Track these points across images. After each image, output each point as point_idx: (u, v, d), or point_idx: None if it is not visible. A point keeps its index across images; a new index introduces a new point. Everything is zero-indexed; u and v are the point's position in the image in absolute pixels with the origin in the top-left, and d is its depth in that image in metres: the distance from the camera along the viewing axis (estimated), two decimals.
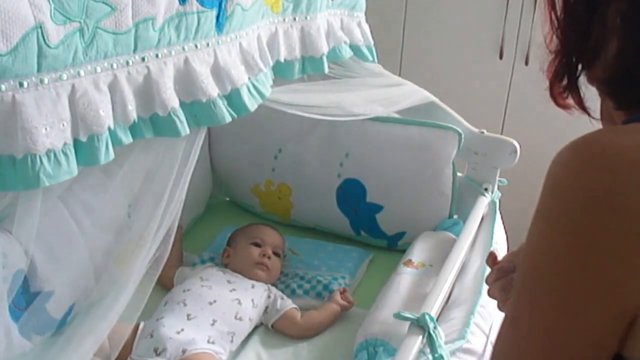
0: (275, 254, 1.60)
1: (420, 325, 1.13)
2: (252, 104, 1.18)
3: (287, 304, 1.49)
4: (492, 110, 2.41)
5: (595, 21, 0.63)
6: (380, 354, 1.21)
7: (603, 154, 0.51)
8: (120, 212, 1.30)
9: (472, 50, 2.36)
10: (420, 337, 1.12)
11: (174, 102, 1.01)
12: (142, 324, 1.35)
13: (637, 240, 0.49)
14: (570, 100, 0.70)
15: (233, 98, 1.14)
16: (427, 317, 1.13)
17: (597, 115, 0.70)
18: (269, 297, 1.49)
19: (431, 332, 1.11)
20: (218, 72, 1.11)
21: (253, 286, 1.49)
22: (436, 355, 1.10)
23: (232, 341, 1.36)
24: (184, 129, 1.04)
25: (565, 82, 0.68)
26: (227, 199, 2.07)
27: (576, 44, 0.66)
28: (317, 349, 1.40)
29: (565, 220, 0.53)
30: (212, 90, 1.08)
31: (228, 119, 1.12)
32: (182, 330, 1.31)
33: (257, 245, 1.59)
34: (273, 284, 1.58)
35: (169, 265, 1.60)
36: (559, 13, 0.68)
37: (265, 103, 1.36)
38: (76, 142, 0.86)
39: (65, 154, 0.83)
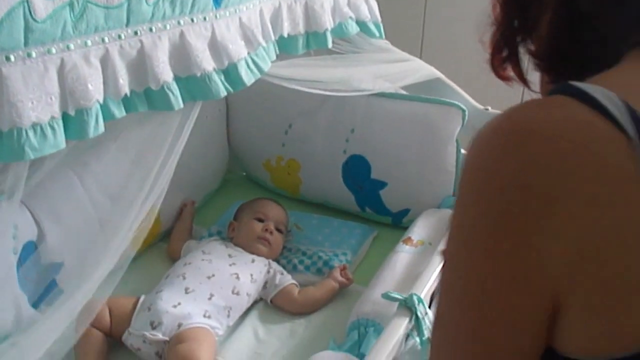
0: (278, 229, 1.61)
1: (408, 306, 1.11)
2: (249, 79, 1.19)
3: (286, 280, 1.50)
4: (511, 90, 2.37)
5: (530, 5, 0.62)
6: (370, 335, 1.21)
7: (513, 133, 0.49)
8: (132, 185, 1.31)
9: None
10: (407, 319, 1.10)
11: (167, 76, 1.02)
12: (142, 297, 1.38)
13: (547, 222, 0.46)
14: (510, 72, 0.68)
15: (230, 72, 1.15)
16: (415, 298, 1.11)
17: (538, 88, 0.68)
18: (268, 272, 1.50)
19: (418, 314, 1.09)
20: (215, 46, 1.12)
21: (253, 261, 1.50)
22: (423, 338, 1.09)
23: (228, 316, 1.37)
24: (178, 103, 1.05)
25: (505, 53, 0.67)
26: (244, 173, 2.09)
27: (515, 15, 0.65)
28: (314, 326, 1.41)
29: (474, 206, 0.50)
30: (208, 64, 1.09)
31: (223, 93, 1.13)
32: (179, 304, 1.32)
33: (260, 220, 1.60)
34: (275, 259, 1.59)
35: (178, 238, 1.65)
36: None
37: (267, 78, 1.37)
38: (65, 116, 0.88)
39: (52, 128, 0.85)
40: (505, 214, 0.48)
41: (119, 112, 0.97)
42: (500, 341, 0.51)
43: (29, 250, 1.28)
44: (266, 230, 1.58)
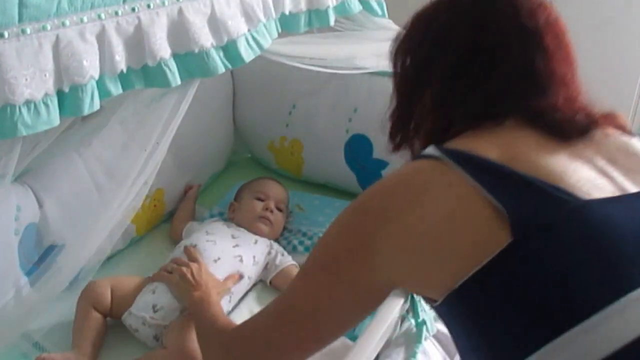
0: (279, 209, 1.61)
1: None
2: (248, 55, 1.18)
3: (287, 261, 1.49)
4: None
5: (416, 101, 0.88)
6: None
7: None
8: (126, 163, 1.31)
9: None
10: (402, 299, 1.08)
11: (164, 52, 1.02)
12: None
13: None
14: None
15: (229, 49, 1.14)
16: None
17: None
18: (269, 253, 1.49)
19: (414, 294, 1.08)
20: (214, 22, 1.11)
21: (256, 242, 1.49)
22: (419, 320, 1.08)
23: (229, 301, 1.36)
24: (175, 79, 1.05)
25: (398, 140, 0.94)
26: (249, 155, 2.09)
27: (403, 116, 0.92)
28: None
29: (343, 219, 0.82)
30: (206, 40, 1.09)
31: (221, 70, 1.12)
32: None
33: (261, 199, 1.60)
34: (276, 239, 1.59)
35: (180, 219, 1.65)
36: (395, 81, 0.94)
37: (268, 56, 1.36)
38: (59, 93, 0.88)
39: (46, 105, 0.85)
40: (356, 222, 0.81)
41: (115, 89, 0.97)
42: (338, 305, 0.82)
43: (31, 232, 1.29)
44: (266, 209, 1.58)
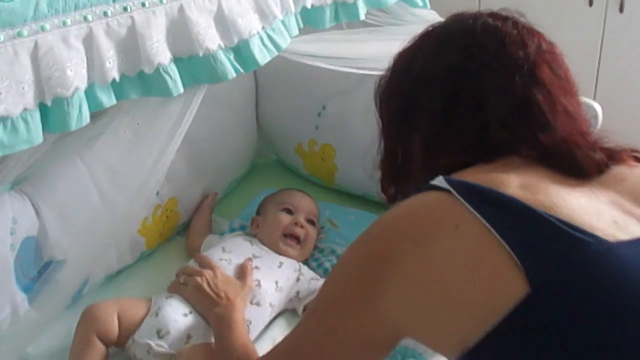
0: (310, 221, 1.49)
1: None
2: (263, 57, 1.09)
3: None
4: (582, 63, 2.18)
5: (406, 148, 0.87)
6: None
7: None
8: (144, 173, 1.24)
9: None
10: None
11: (163, 57, 0.93)
12: (153, 298, 1.27)
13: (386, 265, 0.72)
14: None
15: (241, 50, 1.05)
16: None
17: None
18: (298, 279, 1.36)
19: None
20: (222, 21, 1.02)
21: (280, 265, 1.37)
22: None
23: (249, 332, 1.21)
24: (177, 87, 0.96)
25: (392, 190, 0.92)
26: (275, 157, 1.99)
27: (394, 164, 0.90)
28: None
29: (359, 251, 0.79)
30: (212, 42, 1.00)
31: (231, 74, 1.03)
32: (190, 312, 1.22)
33: (289, 212, 1.48)
34: (305, 260, 1.47)
35: (197, 233, 1.55)
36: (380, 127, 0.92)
37: (289, 56, 1.26)
38: (42, 107, 0.80)
39: (25, 121, 0.77)
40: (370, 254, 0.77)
41: (107, 99, 0.89)
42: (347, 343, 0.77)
43: (29, 245, 1.23)
44: (295, 224, 1.45)
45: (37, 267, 1.23)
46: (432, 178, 0.77)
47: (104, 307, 1.20)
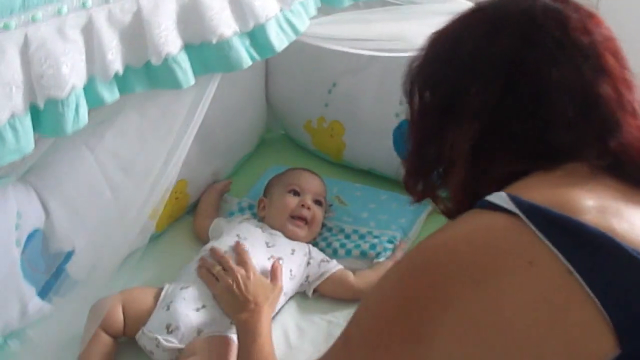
0: (317, 201, 1.45)
1: None
2: (281, 43, 1.00)
3: (332, 266, 1.35)
4: None
5: (442, 144, 0.75)
6: None
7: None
8: (156, 159, 1.14)
9: None
10: None
11: (172, 45, 0.84)
12: (166, 287, 1.24)
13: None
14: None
15: (257, 36, 0.96)
16: None
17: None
18: (308, 263, 1.35)
19: None
20: (237, 4, 0.92)
21: (293, 252, 1.34)
22: None
23: None
24: (187, 79, 0.87)
25: (419, 189, 0.82)
26: (282, 132, 1.93)
27: (425, 162, 0.80)
28: None
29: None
30: (227, 27, 0.90)
31: (247, 63, 0.94)
32: (203, 307, 1.19)
33: (296, 193, 1.44)
34: (314, 240, 1.44)
35: (205, 215, 1.52)
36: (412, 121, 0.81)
37: (305, 39, 1.16)
38: (33, 109, 0.71)
39: (14, 128, 0.68)
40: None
41: (109, 94, 0.80)
42: None
43: (35, 238, 1.18)
44: (302, 205, 1.41)
45: (45, 260, 1.19)
46: (474, 186, 0.70)
47: (107, 300, 1.16)
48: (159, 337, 1.15)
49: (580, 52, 0.68)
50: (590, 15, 0.72)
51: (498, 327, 0.58)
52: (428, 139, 0.78)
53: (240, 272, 1.18)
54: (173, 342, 1.14)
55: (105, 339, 1.15)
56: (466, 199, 0.72)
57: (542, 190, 0.64)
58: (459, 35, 0.75)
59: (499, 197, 0.63)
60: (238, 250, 1.25)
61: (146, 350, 1.18)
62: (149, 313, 1.19)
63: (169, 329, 1.15)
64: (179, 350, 1.15)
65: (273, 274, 1.24)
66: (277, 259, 1.28)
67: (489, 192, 0.66)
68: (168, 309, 1.18)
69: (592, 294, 0.55)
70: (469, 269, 0.61)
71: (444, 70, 0.76)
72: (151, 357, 1.18)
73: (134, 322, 1.19)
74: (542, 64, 0.68)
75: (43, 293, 1.19)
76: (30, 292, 1.17)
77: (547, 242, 0.58)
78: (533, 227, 0.59)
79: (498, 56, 0.70)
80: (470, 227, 0.65)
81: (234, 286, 1.15)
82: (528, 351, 0.57)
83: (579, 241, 0.57)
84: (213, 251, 1.26)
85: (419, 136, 0.80)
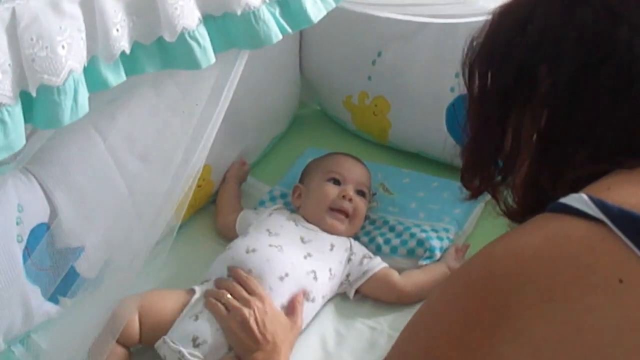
0: (360, 192, 1.36)
1: None
2: (318, 11, 0.91)
3: (376, 264, 1.26)
4: None
5: (501, 134, 0.71)
6: None
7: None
8: (177, 146, 1.06)
9: None
10: None
11: (188, 19, 0.75)
12: (196, 295, 1.15)
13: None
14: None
15: (289, 5, 0.87)
16: None
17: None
18: (349, 260, 1.27)
19: None
20: None
21: (332, 247, 1.26)
22: None
23: None
24: (206, 57, 0.78)
25: (477, 184, 0.78)
26: (318, 107, 1.85)
27: (485, 154, 0.76)
28: None
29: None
30: None
31: (277, 37, 0.85)
32: None
33: (336, 182, 1.34)
34: (355, 234, 1.35)
35: (226, 210, 1.42)
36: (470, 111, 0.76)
37: (346, 6, 1.07)
38: (23, 96, 0.62)
39: (1, 120, 0.60)
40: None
41: (114, 76, 0.72)
42: None
43: (39, 234, 1.11)
44: (344, 196, 1.32)
45: (50, 256, 1.13)
46: (543, 184, 0.66)
47: (122, 305, 1.08)
48: (184, 350, 1.07)
49: None
50: None
51: (571, 354, 0.53)
52: (488, 128, 0.74)
53: (256, 304, 1.08)
54: (199, 356, 1.07)
55: (117, 350, 1.08)
56: (532, 200, 0.69)
57: (628, 193, 0.57)
58: (527, 8, 0.70)
59: (578, 200, 0.57)
60: (240, 278, 1.14)
61: None
62: (169, 321, 1.11)
63: (196, 342, 1.07)
64: None
65: (291, 310, 1.14)
66: (301, 290, 1.17)
67: (561, 193, 0.60)
68: (197, 319, 1.10)
69: None
70: (540, 283, 0.55)
71: (510, 46, 0.70)
72: None
73: (152, 331, 1.11)
74: (631, 41, 0.62)
75: (49, 294, 1.14)
76: (34, 293, 1.11)
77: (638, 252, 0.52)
78: (624, 238, 0.53)
79: (576, 32, 0.65)
80: (544, 235, 0.58)
81: (251, 321, 1.06)
82: None
83: None
84: (219, 282, 1.16)
85: (478, 124, 0.76)
